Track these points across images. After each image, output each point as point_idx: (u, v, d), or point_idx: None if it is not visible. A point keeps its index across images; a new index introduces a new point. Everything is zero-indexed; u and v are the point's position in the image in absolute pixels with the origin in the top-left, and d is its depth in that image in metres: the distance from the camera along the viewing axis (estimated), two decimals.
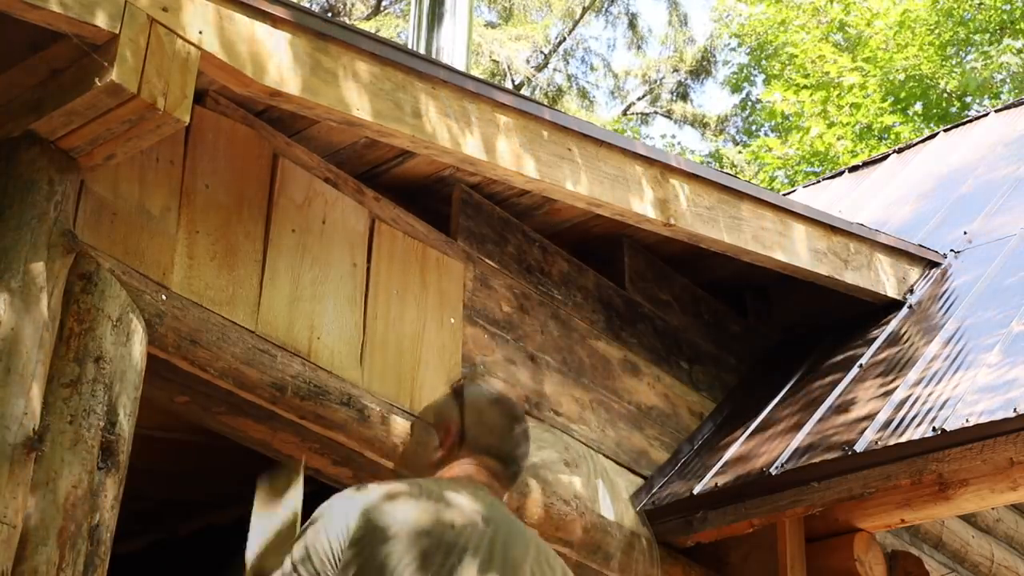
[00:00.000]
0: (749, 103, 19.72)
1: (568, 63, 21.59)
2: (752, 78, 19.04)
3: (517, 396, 3.87)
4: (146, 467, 3.92)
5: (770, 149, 16.31)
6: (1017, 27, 15.85)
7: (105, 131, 2.68)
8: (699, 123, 21.04)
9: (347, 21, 15.59)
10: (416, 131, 3.29)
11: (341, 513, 2.26)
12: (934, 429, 3.74)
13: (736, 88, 19.41)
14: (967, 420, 3.70)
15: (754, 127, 19.72)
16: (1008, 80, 15.30)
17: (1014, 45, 15.13)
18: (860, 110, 15.52)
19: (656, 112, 21.57)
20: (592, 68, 21.79)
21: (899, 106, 15.90)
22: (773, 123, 17.86)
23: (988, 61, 15.16)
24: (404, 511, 2.27)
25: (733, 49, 19.56)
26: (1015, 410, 3.62)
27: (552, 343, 4.08)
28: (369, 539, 2.22)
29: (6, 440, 2.43)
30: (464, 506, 2.34)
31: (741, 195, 4.40)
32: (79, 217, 2.78)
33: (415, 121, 3.29)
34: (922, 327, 4.67)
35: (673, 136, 24.39)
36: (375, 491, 2.30)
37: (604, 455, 4.11)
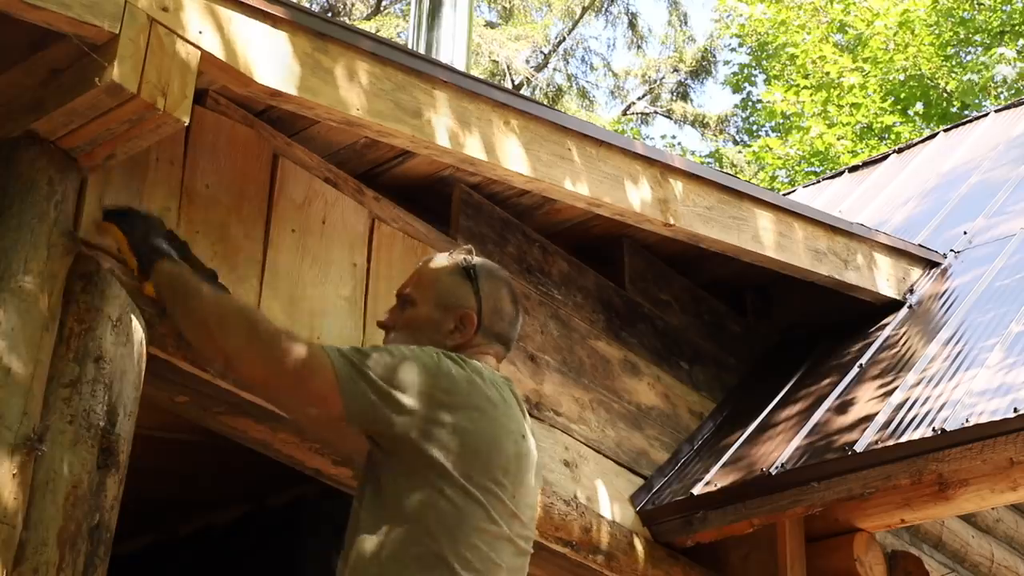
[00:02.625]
0: (750, 103, 19.71)
1: (568, 63, 21.60)
2: (753, 78, 19.04)
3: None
4: (146, 467, 3.92)
5: (770, 149, 16.31)
6: (1017, 30, 15.84)
7: (105, 131, 2.68)
8: (699, 123, 21.04)
9: (347, 21, 15.59)
10: (416, 131, 3.29)
11: (453, 370, 2.35)
12: (934, 429, 3.74)
13: (737, 88, 19.41)
14: (967, 420, 3.70)
15: (755, 127, 19.72)
16: (1005, 85, 15.29)
17: (1007, 55, 15.13)
18: (860, 110, 15.53)
19: (656, 112, 21.56)
20: (592, 68, 21.81)
21: (899, 106, 15.91)
22: (774, 123, 17.86)
23: (983, 72, 15.17)
24: (493, 409, 2.38)
25: (734, 49, 19.56)
26: (1015, 410, 3.62)
27: (552, 343, 4.08)
28: (468, 416, 2.33)
29: (6, 440, 2.43)
30: (517, 408, 2.49)
31: (741, 195, 4.40)
32: (79, 217, 2.77)
33: (415, 121, 3.29)
34: (922, 327, 4.67)
35: (673, 136, 24.39)
36: (477, 366, 2.41)
37: (604, 455, 4.11)
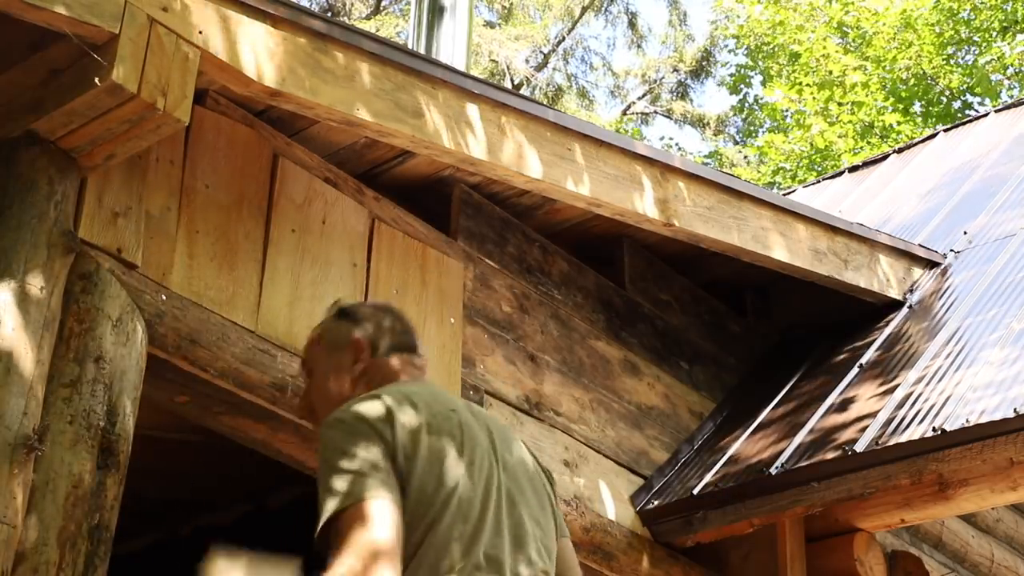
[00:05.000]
0: (746, 105, 19.70)
1: (568, 63, 21.58)
2: (749, 80, 19.01)
3: (517, 396, 3.87)
4: (146, 467, 3.92)
5: (773, 145, 16.30)
6: (1020, 27, 15.83)
7: (105, 131, 2.68)
8: (699, 122, 21.04)
9: (347, 21, 15.59)
10: (416, 131, 3.29)
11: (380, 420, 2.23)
12: (934, 429, 3.74)
13: (734, 90, 19.40)
14: (967, 420, 3.70)
15: (752, 127, 19.69)
16: (1019, 74, 15.26)
17: (1009, 51, 15.14)
18: (862, 108, 15.53)
19: (656, 112, 21.56)
20: (592, 68, 21.79)
21: (901, 105, 15.90)
22: (775, 123, 17.84)
23: (998, 60, 15.15)
24: (414, 415, 2.27)
25: (731, 51, 19.54)
26: (1015, 410, 3.63)
27: (552, 343, 4.08)
28: (410, 445, 2.22)
29: (6, 440, 2.43)
30: (437, 398, 2.39)
31: (741, 195, 4.40)
32: (79, 217, 2.78)
33: (415, 121, 3.29)
34: (922, 327, 4.67)
35: (672, 138, 24.36)
36: (388, 401, 2.28)
37: (604, 455, 4.11)
